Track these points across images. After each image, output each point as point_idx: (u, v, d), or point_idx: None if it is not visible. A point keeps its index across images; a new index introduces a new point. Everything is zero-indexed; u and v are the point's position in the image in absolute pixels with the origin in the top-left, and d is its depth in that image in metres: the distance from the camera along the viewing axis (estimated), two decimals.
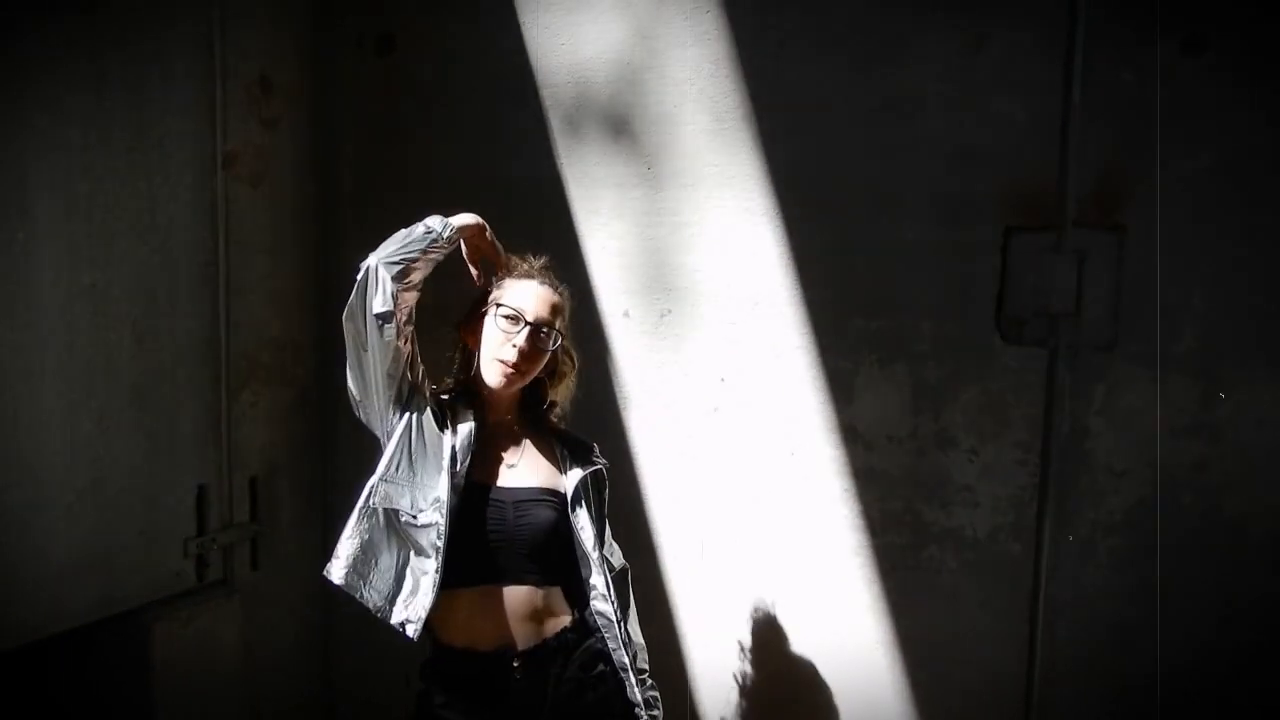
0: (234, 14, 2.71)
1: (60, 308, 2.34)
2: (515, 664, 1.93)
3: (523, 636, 1.94)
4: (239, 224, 2.77)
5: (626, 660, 2.00)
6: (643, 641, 2.10)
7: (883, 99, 2.44)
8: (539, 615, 1.96)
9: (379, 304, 1.89)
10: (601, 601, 2.00)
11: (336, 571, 1.91)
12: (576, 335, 2.51)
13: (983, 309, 2.39)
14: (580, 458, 2.09)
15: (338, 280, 3.04)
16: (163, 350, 2.60)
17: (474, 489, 1.95)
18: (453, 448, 1.94)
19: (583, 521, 2.01)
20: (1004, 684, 2.41)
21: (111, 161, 2.43)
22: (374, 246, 2.94)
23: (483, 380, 2.03)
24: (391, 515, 1.92)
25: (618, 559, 2.12)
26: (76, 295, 2.37)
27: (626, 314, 2.71)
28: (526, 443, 2.08)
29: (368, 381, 1.96)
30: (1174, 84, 2.20)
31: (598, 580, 2.00)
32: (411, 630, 1.87)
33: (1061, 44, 2.28)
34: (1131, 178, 2.25)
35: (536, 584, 1.96)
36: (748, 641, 2.65)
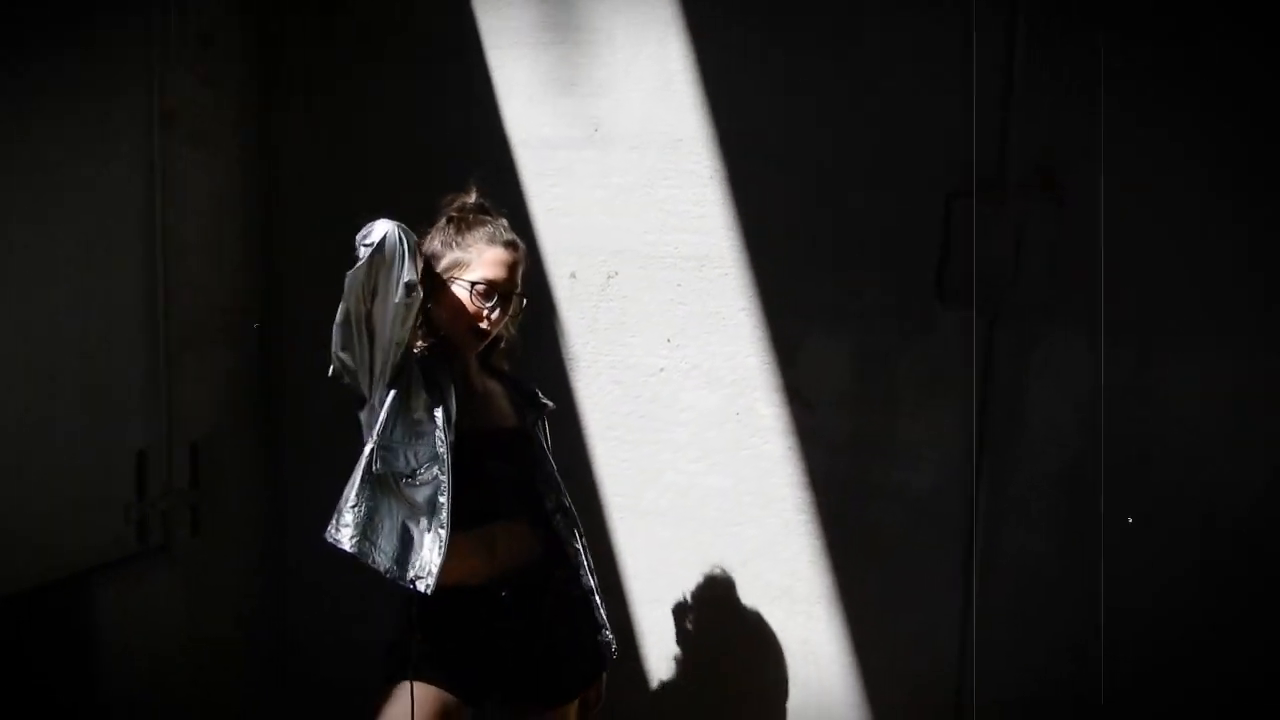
0: None
1: None
2: (503, 594, 2.02)
3: (511, 568, 2.05)
4: (179, 184, 2.72)
5: (593, 583, 2.17)
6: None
7: (831, 65, 2.46)
8: (525, 547, 2.08)
9: (409, 271, 1.85)
10: (573, 528, 2.17)
11: (346, 539, 1.91)
12: (523, 295, 2.55)
13: (924, 274, 2.44)
14: (532, 399, 2.22)
15: (280, 241, 3.01)
16: (102, 312, 2.55)
17: (463, 438, 2.00)
18: (444, 407, 1.97)
19: (546, 462, 2.17)
20: (940, 637, 2.49)
21: (47, 119, 2.37)
22: (317, 206, 2.95)
23: (453, 340, 2.07)
24: (390, 479, 1.93)
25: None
26: (10, 253, 2.32)
27: (573, 275, 2.72)
28: (492, 387, 2.17)
29: (373, 347, 1.90)
30: (1115, 54, 2.26)
31: (568, 507, 2.17)
32: (424, 585, 1.90)
33: (1004, 13, 2.32)
34: (1072, 146, 2.30)
35: (521, 518, 2.10)
36: (692, 598, 2.69)
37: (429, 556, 1.91)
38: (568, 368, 2.76)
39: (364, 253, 1.81)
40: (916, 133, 2.42)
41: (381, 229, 1.83)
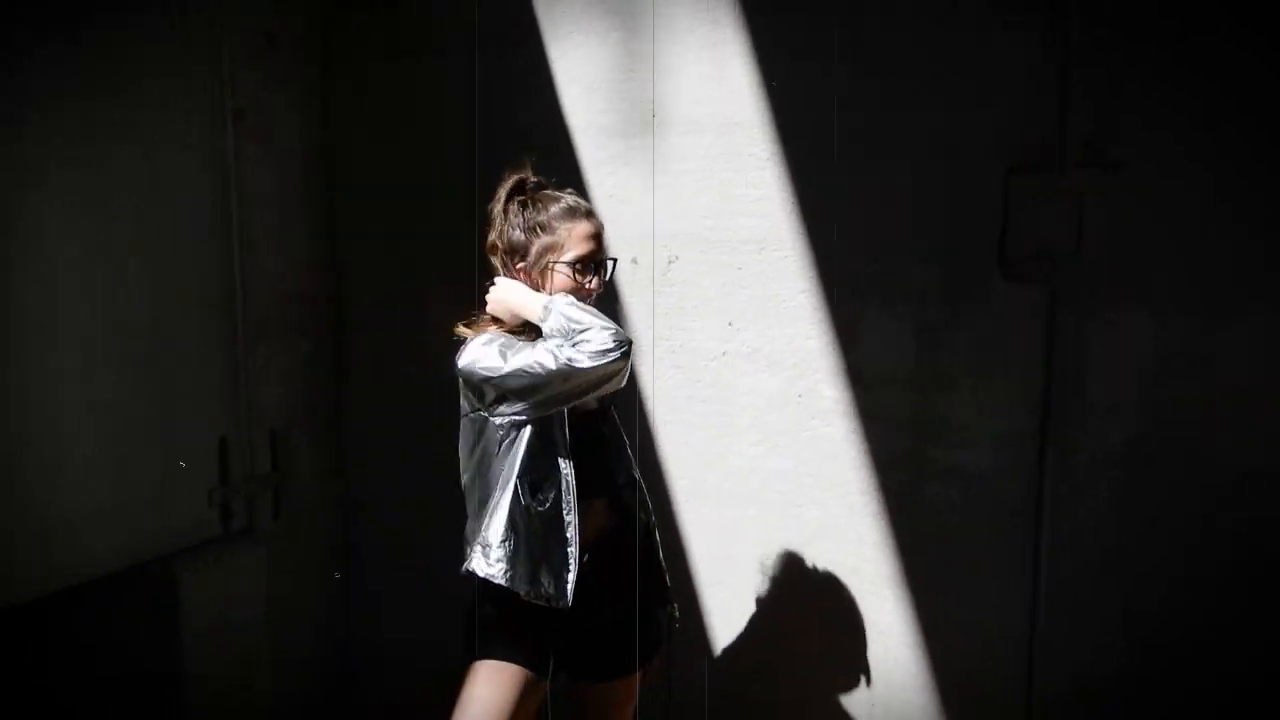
0: None
1: (75, 265, 2.39)
2: (585, 558, 2.08)
3: (590, 541, 2.12)
4: (249, 180, 2.81)
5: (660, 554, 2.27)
6: None
7: (882, 42, 2.45)
8: (603, 521, 2.17)
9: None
10: (643, 500, 2.26)
11: (501, 574, 2.03)
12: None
13: (984, 250, 2.41)
14: None
15: (345, 234, 3.09)
16: (180, 306, 2.66)
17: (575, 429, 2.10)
18: (562, 427, 2.07)
19: (618, 428, 2.28)
20: (1007, 617, 2.47)
21: (120, 120, 2.47)
22: (380, 199, 3.01)
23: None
24: (528, 505, 2.04)
25: None
26: (91, 253, 2.42)
27: (634, 261, 2.75)
28: None
29: (545, 405, 2.02)
30: (1173, 21, 2.21)
31: (636, 480, 2.25)
32: (561, 604, 2.03)
33: None
34: (1131, 117, 2.26)
35: (601, 496, 2.17)
36: (756, 580, 2.71)
37: (562, 575, 2.04)
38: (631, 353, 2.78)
39: (602, 360, 1.93)
40: (974, 108, 2.39)
41: (619, 341, 1.96)
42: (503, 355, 1.98)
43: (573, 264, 2.09)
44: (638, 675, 2.23)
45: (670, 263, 2.71)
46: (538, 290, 2.10)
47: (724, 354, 2.69)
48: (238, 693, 2.81)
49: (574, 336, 1.94)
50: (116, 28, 2.44)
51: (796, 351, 2.61)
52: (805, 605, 2.67)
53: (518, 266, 2.13)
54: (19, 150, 2.26)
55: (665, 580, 2.29)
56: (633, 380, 2.78)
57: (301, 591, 3.08)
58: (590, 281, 2.11)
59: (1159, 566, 2.32)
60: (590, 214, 2.14)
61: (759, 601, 2.73)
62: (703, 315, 2.70)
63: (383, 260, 3.06)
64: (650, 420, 2.79)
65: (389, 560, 3.14)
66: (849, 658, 2.64)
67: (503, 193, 2.15)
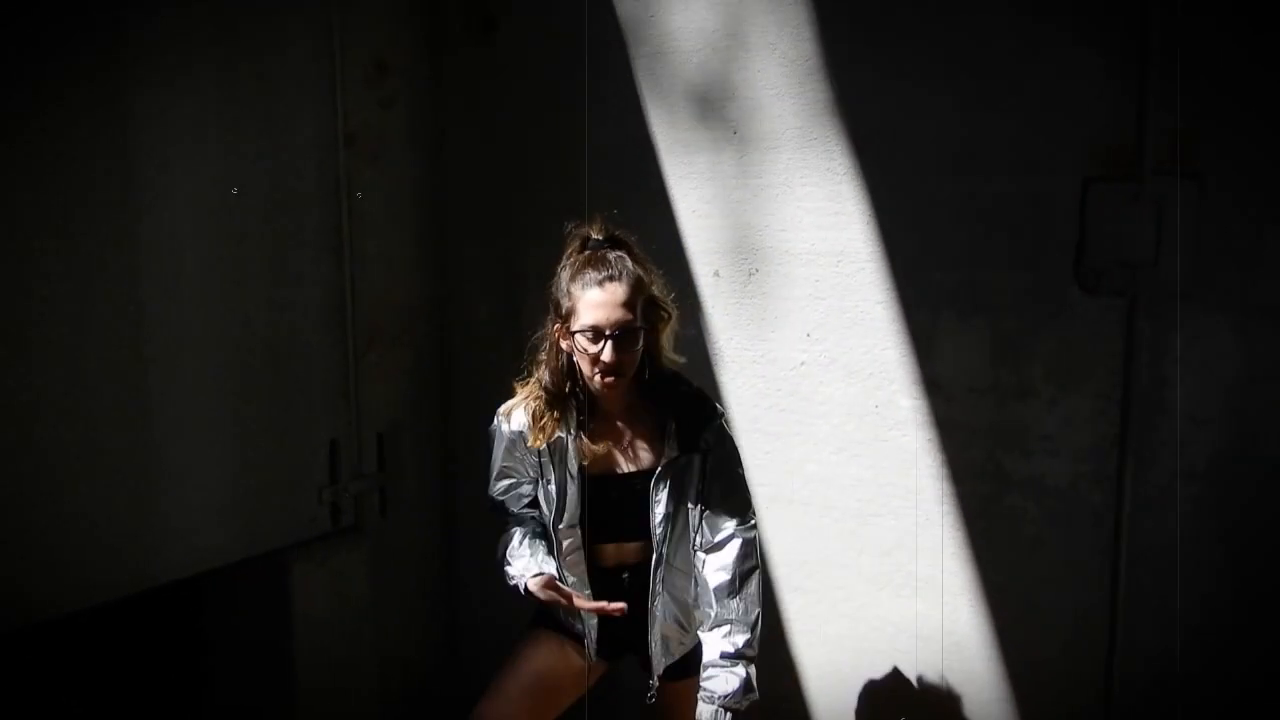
0: (353, 2, 2.94)
1: (202, 279, 2.61)
2: (624, 575, 2.27)
3: (626, 564, 2.30)
4: (360, 201, 3.01)
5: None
6: (744, 618, 2.19)
7: (959, 53, 2.47)
8: (636, 553, 2.30)
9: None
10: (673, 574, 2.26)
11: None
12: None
13: (1061, 260, 2.41)
14: (685, 437, 2.22)
15: (452, 249, 3.27)
16: (295, 318, 2.86)
17: (595, 480, 2.24)
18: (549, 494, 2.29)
19: (659, 499, 2.21)
20: (1087, 631, 2.45)
21: (243, 143, 2.69)
22: (483, 216, 3.18)
23: (588, 379, 2.18)
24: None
25: (730, 526, 2.23)
26: (215, 266, 2.64)
27: (717, 274, 2.83)
28: (637, 424, 2.27)
29: None
30: (1251, 24, 2.17)
31: (663, 555, 2.23)
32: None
33: None
34: (1211, 124, 2.23)
35: (633, 542, 2.29)
36: (835, 587, 2.75)
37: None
38: (713, 363, 2.87)
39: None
40: (1052, 118, 2.39)
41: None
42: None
43: (578, 333, 2.11)
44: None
45: (750, 275, 2.78)
46: (560, 355, 2.20)
47: (802, 364, 2.74)
48: (343, 679, 3.00)
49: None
50: (239, 56, 2.67)
51: (874, 362, 2.64)
52: (882, 613, 2.69)
53: (554, 328, 2.19)
54: (155, 169, 2.49)
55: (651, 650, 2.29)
56: (716, 390, 2.86)
57: (405, 585, 3.26)
58: (604, 352, 2.09)
59: (1241, 580, 2.26)
60: (611, 279, 2.10)
61: (836, 608, 2.76)
62: (782, 326, 2.76)
63: (488, 272, 3.22)
64: (732, 426, 2.85)
65: (489, 558, 3.29)
66: (925, 668, 2.65)
67: (566, 245, 2.23)
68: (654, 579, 2.25)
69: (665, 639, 2.30)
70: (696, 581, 2.24)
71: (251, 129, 2.70)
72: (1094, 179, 2.36)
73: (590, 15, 2.88)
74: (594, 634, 2.32)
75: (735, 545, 2.21)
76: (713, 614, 2.18)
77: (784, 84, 2.66)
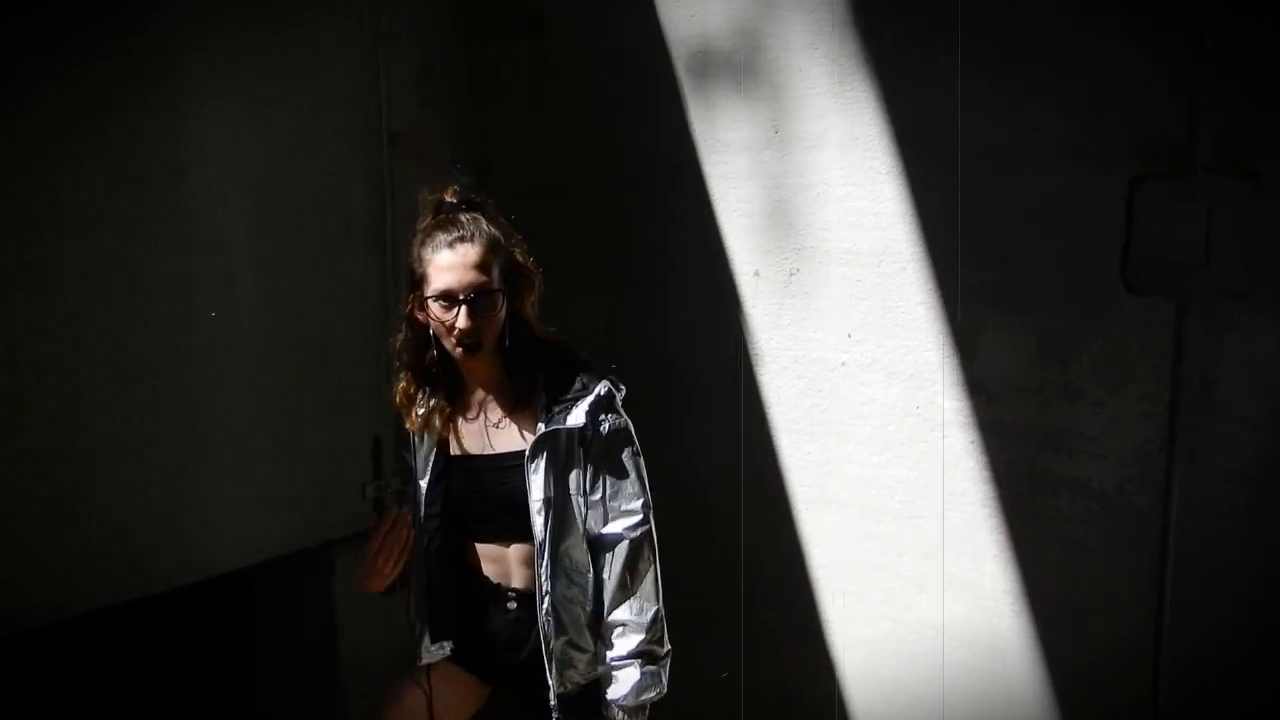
0: (397, 5, 2.97)
1: (250, 275, 2.65)
2: (510, 595, 2.12)
3: (520, 578, 2.13)
4: (404, 198, 3.04)
5: (548, 632, 2.04)
6: (637, 618, 2.05)
7: (1004, 50, 2.44)
8: (507, 570, 2.15)
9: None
10: (549, 566, 2.03)
11: None
12: (710, 295, 2.69)
13: (1109, 260, 2.37)
14: (555, 412, 2.04)
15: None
16: (340, 314, 2.90)
17: (462, 461, 2.12)
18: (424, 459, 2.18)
19: (534, 481, 2.01)
20: (1131, 635, 2.40)
21: (292, 145, 2.73)
22: (529, 210, 3.16)
23: (450, 353, 2.05)
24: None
25: (618, 526, 2.05)
26: (266, 264, 2.68)
27: (757, 274, 2.82)
28: (509, 400, 2.10)
29: None
30: None
31: (556, 554, 2.02)
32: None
33: None
34: (1262, 122, 2.18)
35: (504, 542, 2.13)
36: (876, 589, 2.73)
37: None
38: (753, 363, 2.86)
39: None
40: (1100, 115, 2.35)
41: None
42: None
43: (431, 299, 1.98)
44: None
45: (791, 275, 2.77)
46: (417, 328, 2.06)
47: (843, 364, 2.73)
48: (386, 670, 3.02)
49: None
50: (289, 57, 2.71)
51: (915, 363, 2.62)
52: (923, 616, 2.67)
53: (410, 300, 2.06)
54: (205, 167, 2.54)
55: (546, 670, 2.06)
56: (756, 389, 2.86)
57: None
58: (458, 318, 1.96)
59: None
60: (461, 239, 1.98)
61: (877, 611, 2.74)
62: (822, 326, 2.74)
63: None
64: (771, 428, 2.85)
65: None
66: (967, 672, 2.62)
67: (420, 213, 2.09)
68: (538, 578, 2.02)
69: (559, 661, 2.04)
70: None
71: (299, 128, 2.74)
72: (1142, 177, 2.32)
73: (632, 14, 2.89)
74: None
75: (623, 549, 2.02)
76: (607, 619, 2.05)
77: (826, 83, 2.64)
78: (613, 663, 2.04)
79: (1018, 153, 2.45)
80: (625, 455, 2.06)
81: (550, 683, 2.05)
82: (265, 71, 2.66)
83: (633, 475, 2.06)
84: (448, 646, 2.21)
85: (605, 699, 2.04)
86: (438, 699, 2.18)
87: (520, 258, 2.08)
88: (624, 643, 2.04)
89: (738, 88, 2.78)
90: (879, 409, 2.69)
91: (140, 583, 2.48)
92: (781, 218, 2.76)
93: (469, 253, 1.97)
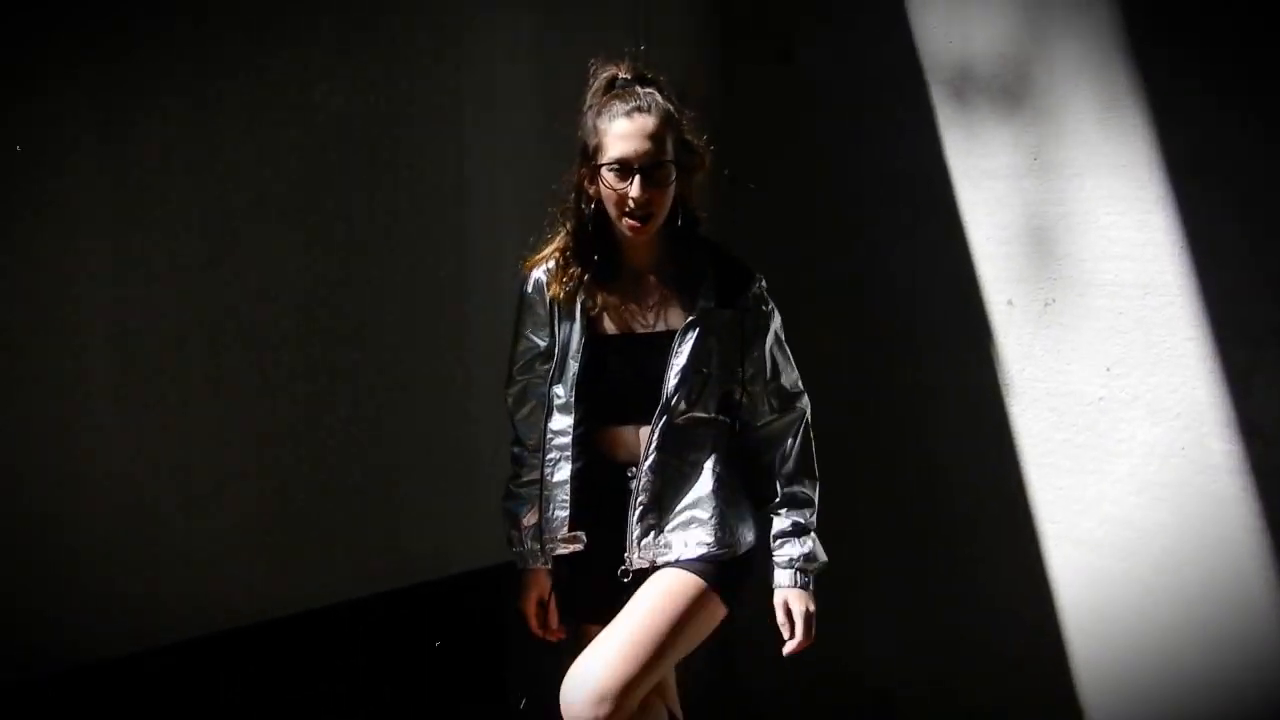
0: (658, 35, 3.10)
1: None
2: (629, 473, 2.03)
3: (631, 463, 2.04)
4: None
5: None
6: (813, 492, 2.13)
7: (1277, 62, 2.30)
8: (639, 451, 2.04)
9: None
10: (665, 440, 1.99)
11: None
12: (959, 323, 2.69)
13: None
14: (723, 291, 2.03)
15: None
16: None
17: (614, 340, 2.03)
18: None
19: (681, 350, 1.98)
20: None
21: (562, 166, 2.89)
22: (772, 236, 3.24)
23: (615, 225, 2.01)
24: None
25: (793, 405, 2.11)
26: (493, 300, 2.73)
27: (1010, 302, 2.76)
28: (665, 278, 2.06)
29: None
30: None
31: (678, 421, 1.99)
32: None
33: None
34: None
35: (638, 423, 2.03)
36: (1128, 639, 2.60)
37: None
38: (1003, 393, 2.80)
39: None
40: None
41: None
42: None
43: (605, 166, 1.93)
44: None
45: (1046, 305, 2.69)
46: (593, 198, 1.99)
47: (1101, 399, 2.63)
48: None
49: None
50: (564, 88, 2.85)
51: (1181, 401, 2.49)
52: (1181, 670, 2.53)
53: (581, 172, 2.01)
54: (488, 199, 2.75)
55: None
56: (1005, 420, 2.79)
57: None
58: (631, 187, 1.90)
59: None
60: (639, 109, 1.94)
61: (1127, 660, 2.61)
62: (1079, 359, 2.65)
63: (779, 296, 3.26)
64: (1021, 461, 2.78)
65: None
66: None
67: (590, 91, 2.04)
68: (649, 442, 1.99)
69: (647, 523, 2.01)
70: (720, 482, 2.01)
71: (566, 157, 2.91)
72: None
73: (887, 41, 2.90)
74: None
75: (802, 427, 2.10)
76: (779, 496, 2.09)
77: (1091, 109, 2.56)
78: (790, 530, 2.09)
79: None
80: (783, 342, 2.12)
81: (630, 538, 2.02)
82: (538, 94, 2.83)
83: (791, 360, 2.13)
84: (583, 536, 2.07)
85: (783, 556, 2.07)
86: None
87: (690, 136, 2.05)
88: (800, 515, 2.10)
89: (997, 113, 2.73)
90: (1139, 447, 2.57)
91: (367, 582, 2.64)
92: (1039, 246, 2.69)
93: (646, 123, 1.93)
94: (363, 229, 2.55)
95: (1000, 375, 2.80)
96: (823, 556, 2.12)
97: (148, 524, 2.27)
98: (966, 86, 2.78)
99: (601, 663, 1.88)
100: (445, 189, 2.69)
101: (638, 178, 1.91)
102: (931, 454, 2.94)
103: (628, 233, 1.97)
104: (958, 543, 2.90)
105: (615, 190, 1.93)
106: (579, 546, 2.06)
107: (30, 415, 2.10)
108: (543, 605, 2.20)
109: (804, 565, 2.08)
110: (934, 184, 2.85)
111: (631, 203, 1.92)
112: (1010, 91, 2.71)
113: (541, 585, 2.19)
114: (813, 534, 2.12)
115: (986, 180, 2.78)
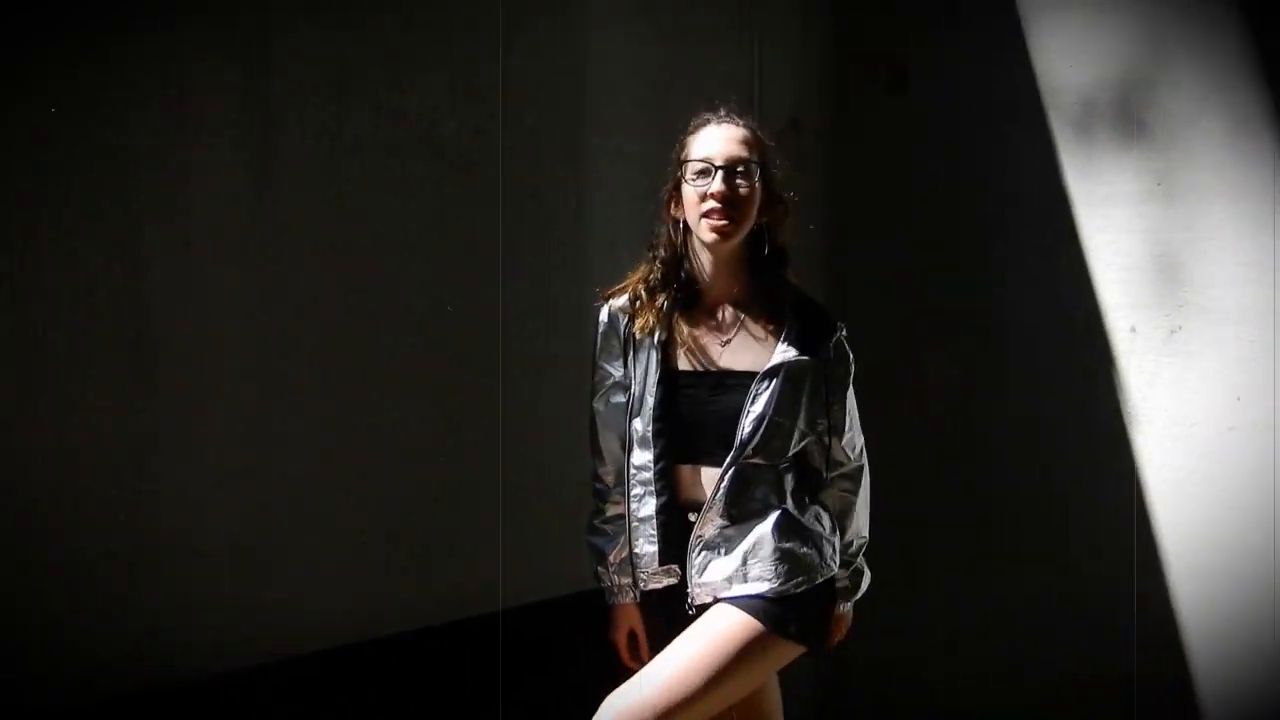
0: (770, 62, 3.14)
1: None
2: (691, 516, 1.95)
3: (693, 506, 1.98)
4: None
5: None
6: (867, 536, 2.07)
7: None
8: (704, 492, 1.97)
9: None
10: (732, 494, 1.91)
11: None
12: (1080, 351, 2.64)
13: None
14: (806, 339, 1.94)
15: (855, 294, 3.34)
16: None
17: (691, 376, 1.97)
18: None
19: (760, 394, 1.89)
20: None
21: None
22: (886, 262, 3.22)
23: (698, 251, 1.95)
24: None
25: (858, 455, 2.03)
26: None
27: (1133, 329, 2.71)
28: (745, 317, 1.98)
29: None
30: None
31: (749, 468, 1.91)
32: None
33: None
34: None
35: (709, 465, 1.96)
36: (1249, 675, 2.53)
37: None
38: (1125, 421, 2.75)
39: None
40: None
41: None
42: None
43: (687, 166, 1.89)
44: None
45: (1172, 332, 2.64)
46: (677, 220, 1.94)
47: (1230, 429, 2.56)
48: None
49: None
50: (680, 114, 2.91)
51: None
52: None
53: (669, 193, 1.97)
54: (605, 237, 2.82)
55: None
56: (1128, 449, 2.74)
57: None
58: (713, 184, 1.84)
59: None
60: (724, 121, 1.92)
61: (1249, 696, 2.53)
62: (1206, 388, 2.59)
63: (886, 323, 3.27)
64: (1146, 490, 2.72)
65: None
66: None
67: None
68: (720, 481, 1.90)
69: (705, 558, 1.93)
70: (784, 529, 1.92)
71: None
72: None
73: (1006, 67, 2.89)
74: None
75: (865, 475, 2.04)
76: (851, 534, 2.03)
77: (1218, 134, 2.52)
78: (855, 570, 2.07)
79: None
80: (852, 393, 2.04)
81: (690, 577, 1.96)
82: (649, 128, 2.88)
83: (856, 411, 2.06)
84: (678, 570, 1.99)
85: (843, 602, 2.07)
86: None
87: (778, 170, 1.99)
88: (850, 554, 2.06)
89: (1117, 138, 2.70)
90: (1274, 479, 2.50)
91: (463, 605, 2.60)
92: (1162, 272, 2.64)
93: (733, 130, 1.91)
94: (485, 258, 2.63)
95: (1122, 403, 2.75)
96: (868, 579, 2.10)
97: (262, 544, 2.31)
98: (1087, 112, 2.76)
99: (639, 694, 1.88)
100: (564, 219, 2.76)
101: (720, 174, 1.85)
102: (1052, 485, 2.89)
103: (707, 238, 1.89)
104: (1081, 572, 2.84)
105: (696, 190, 1.87)
106: (674, 580, 2.01)
107: (159, 431, 2.16)
108: (634, 638, 2.23)
109: (854, 598, 2.10)
110: (1053, 212, 2.83)
111: (711, 197, 1.85)
112: (1134, 117, 2.67)
113: (633, 618, 2.20)
114: (863, 566, 2.09)
115: (1107, 206, 2.74)
